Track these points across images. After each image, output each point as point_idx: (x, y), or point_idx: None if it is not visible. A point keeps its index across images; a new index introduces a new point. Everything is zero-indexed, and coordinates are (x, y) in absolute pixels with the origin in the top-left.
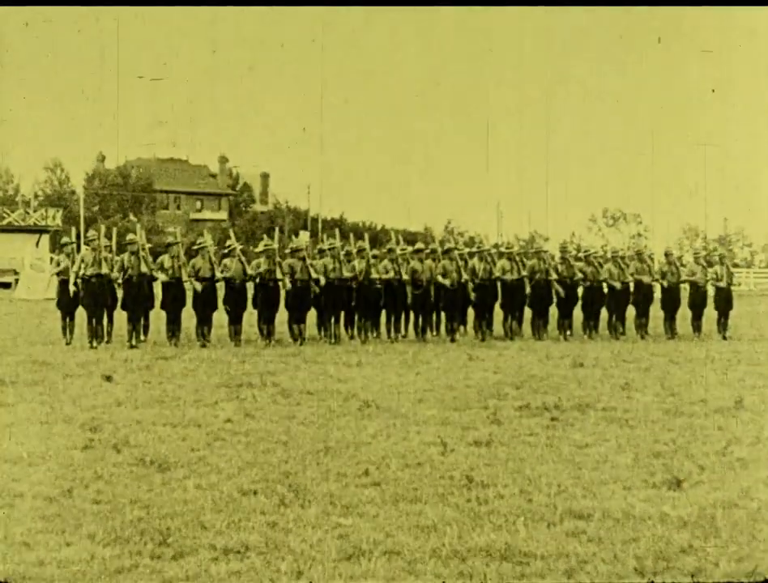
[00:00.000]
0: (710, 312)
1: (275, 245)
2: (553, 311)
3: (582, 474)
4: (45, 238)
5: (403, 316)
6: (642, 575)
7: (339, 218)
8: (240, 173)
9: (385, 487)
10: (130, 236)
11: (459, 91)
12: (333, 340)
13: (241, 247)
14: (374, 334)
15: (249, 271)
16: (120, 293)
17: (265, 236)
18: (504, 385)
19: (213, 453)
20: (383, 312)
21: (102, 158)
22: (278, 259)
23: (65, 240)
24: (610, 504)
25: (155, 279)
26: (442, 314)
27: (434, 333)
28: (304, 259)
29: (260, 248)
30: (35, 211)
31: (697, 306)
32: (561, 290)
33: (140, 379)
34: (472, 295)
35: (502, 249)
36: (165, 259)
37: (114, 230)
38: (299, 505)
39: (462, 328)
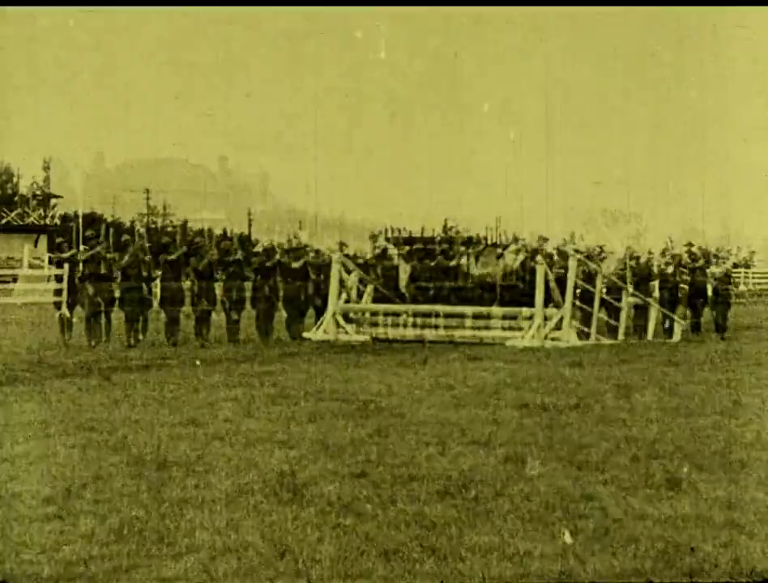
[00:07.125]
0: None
1: (275, 245)
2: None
3: (581, 475)
4: (44, 237)
5: None
6: (641, 575)
7: (338, 217)
8: (239, 173)
9: (383, 486)
10: (125, 237)
11: (459, 89)
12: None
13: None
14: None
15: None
16: (117, 293)
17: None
18: (503, 385)
19: (211, 452)
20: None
21: (101, 157)
22: (277, 258)
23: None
24: (609, 504)
25: (155, 279)
26: None
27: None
28: (303, 259)
29: (259, 248)
30: (33, 211)
31: (697, 306)
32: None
33: (138, 378)
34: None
35: (499, 251)
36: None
37: (112, 229)
38: (297, 505)
39: None
